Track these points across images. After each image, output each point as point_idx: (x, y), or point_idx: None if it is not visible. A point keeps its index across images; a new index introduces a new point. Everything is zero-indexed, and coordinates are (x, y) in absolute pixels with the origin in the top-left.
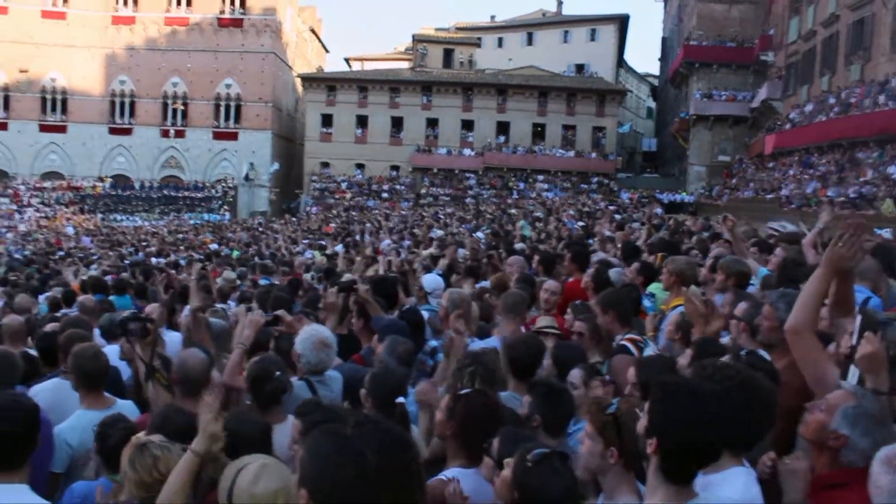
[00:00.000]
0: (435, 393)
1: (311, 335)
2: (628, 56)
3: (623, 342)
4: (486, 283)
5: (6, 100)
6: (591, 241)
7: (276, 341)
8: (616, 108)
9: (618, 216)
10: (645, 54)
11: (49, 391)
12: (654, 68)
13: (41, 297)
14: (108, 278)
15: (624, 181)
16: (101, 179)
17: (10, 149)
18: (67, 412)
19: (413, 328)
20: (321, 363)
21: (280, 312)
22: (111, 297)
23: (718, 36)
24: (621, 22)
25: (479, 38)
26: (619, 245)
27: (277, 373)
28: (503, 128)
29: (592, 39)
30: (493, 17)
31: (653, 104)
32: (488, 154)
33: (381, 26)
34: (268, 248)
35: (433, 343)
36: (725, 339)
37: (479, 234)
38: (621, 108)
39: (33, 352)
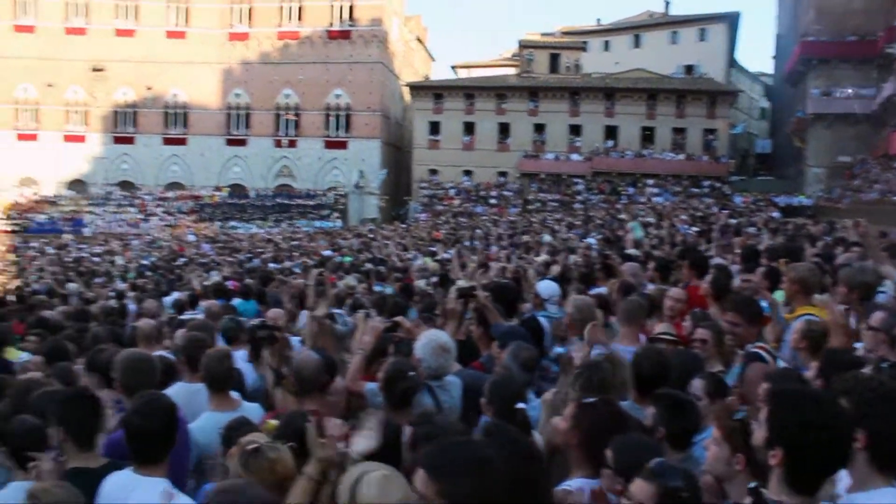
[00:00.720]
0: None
1: (431, 340)
2: (740, 55)
3: (755, 350)
4: (601, 290)
5: (134, 116)
6: (705, 246)
7: (395, 347)
8: (728, 110)
9: (732, 220)
10: (758, 52)
11: (182, 392)
12: (767, 67)
13: (168, 301)
14: (230, 283)
15: (737, 184)
16: (218, 189)
17: (137, 161)
18: (198, 413)
19: (533, 336)
20: (441, 368)
21: (399, 318)
22: (236, 302)
23: (838, 30)
24: (732, 20)
25: (585, 42)
26: (738, 250)
27: (410, 373)
28: (611, 132)
29: (702, 39)
30: (598, 21)
31: (766, 104)
32: (596, 159)
33: (486, 33)
34: (379, 254)
35: (558, 350)
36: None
37: (590, 240)
38: (733, 109)
39: (169, 354)
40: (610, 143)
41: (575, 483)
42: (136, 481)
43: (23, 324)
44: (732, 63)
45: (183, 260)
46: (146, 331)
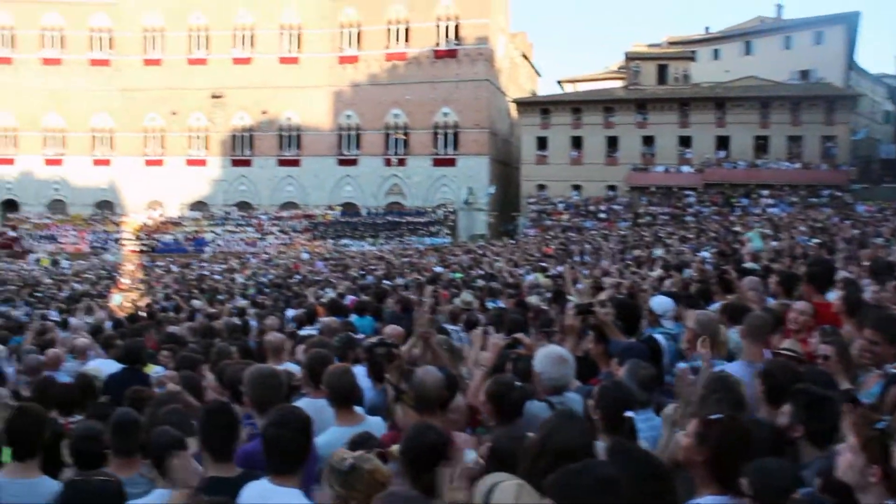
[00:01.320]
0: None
1: (548, 352)
2: (860, 57)
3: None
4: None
5: (251, 139)
6: (830, 258)
7: (514, 363)
8: (848, 115)
9: (855, 231)
10: (880, 53)
11: (307, 408)
12: (890, 68)
13: (288, 316)
14: (349, 299)
15: (860, 193)
16: (331, 208)
17: (253, 182)
18: (322, 428)
19: (651, 353)
20: (562, 378)
21: (519, 335)
22: (352, 318)
23: None
24: (851, 21)
25: (694, 52)
26: (866, 263)
27: (517, 383)
28: (723, 142)
29: (818, 43)
30: (707, 29)
31: (891, 107)
32: (708, 170)
33: (592, 47)
34: (489, 270)
35: (681, 365)
36: None
37: (704, 254)
38: (853, 114)
39: (296, 368)
40: (721, 153)
41: (704, 502)
42: (272, 491)
43: (155, 339)
44: (852, 65)
45: (298, 277)
46: (275, 344)
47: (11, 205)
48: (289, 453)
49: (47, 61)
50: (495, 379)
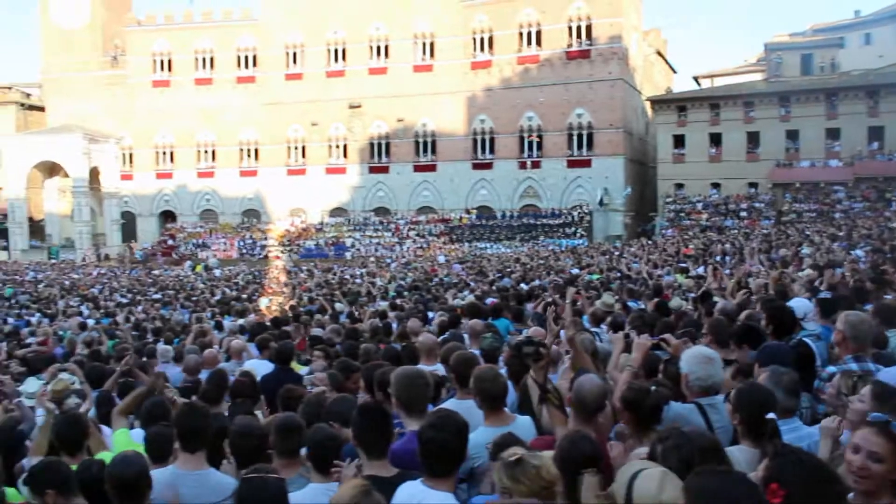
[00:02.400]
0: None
1: (695, 353)
2: None
3: None
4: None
5: (388, 146)
6: None
7: (665, 366)
8: None
9: None
10: None
11: (457, 408)
12: None
13: (431, 318)
14: (488, 301)
15: None
16: (467, 211)
17: (391, 189)
18: (472, 429)
19: (801, 357)
20: (710, 377)
21: (666, 336)
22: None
23: None
24: None
25: (842, 38)
26: None
27: (653, 388)
28: (876, 133)
29: None
30: (857, 13)
31: None
32: (859, 164)
33: (729, 39)
34: (627, 271)
35: (831, 369)
36: None
37: (857, 252)
38: None
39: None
40: (874, 145)
41: None
42: (426, 493)
43: (303, 341)
44: None
45: (437, 280)
46: (428, 345)
47: (170, 215)
48: (444, 456)
49: (199, 81)
50: (630, 385)
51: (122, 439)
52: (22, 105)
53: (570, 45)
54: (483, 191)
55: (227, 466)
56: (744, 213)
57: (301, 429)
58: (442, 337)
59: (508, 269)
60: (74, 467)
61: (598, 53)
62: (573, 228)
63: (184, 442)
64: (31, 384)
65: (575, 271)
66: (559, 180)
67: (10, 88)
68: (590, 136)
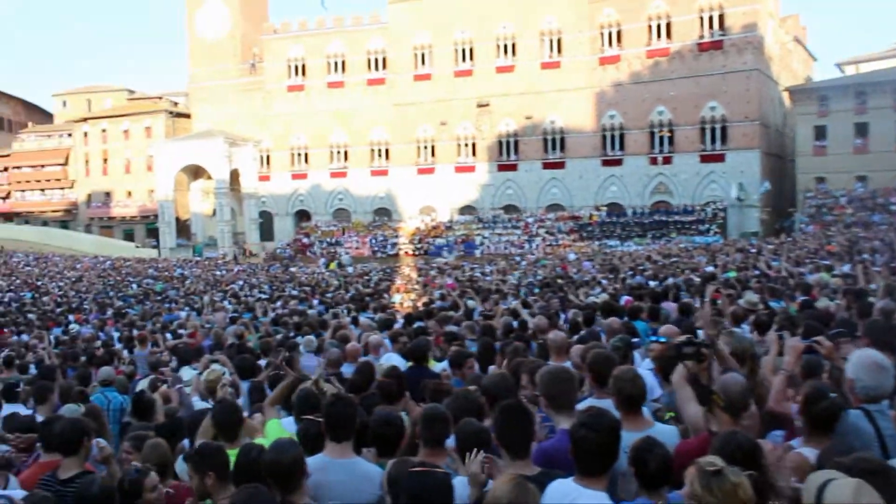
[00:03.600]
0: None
1: (864, 358)
2: None
3: None
4: None
5: (516, 144)
6: None
7: (830, 370)
8: None
9: None
10: None
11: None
12: None
13: (562, 317)
14: (623, 299)
15: None
16: (596, 208)
17: (519, 186)
18: None
19: None
20: (880, 387)
21: (819, 338)
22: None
23: None
24: None
25: None
26: None
27: (832, 394)
28: None
29: None
30: None
31: None
32: None
33: (876, 22)
34: (765, 269)
35: None
36: None
37: None
38: None
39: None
40: None
41: None
42: (578, 491)
43: (438, 337)
44: None
45: (571, 277)
46: (559, 343)
47: (304, 215)
48: (598, 455)
49: (332, 85)
50: (810, 385)
51: (275, 428)
52: (170, 113)
53: (701, 37)
54: (613, 187)
55: (367, 454)
56: (894, 208)
57: (448, 420)
58: (577, 336)
59: (640, 267)
60: (232, 453)
61: (732, 44)
62: (706, 225)
63: (332, 432)
64: (187, 373)
65: (709, 269)
66: (691, 176)
67: (160, 98)
68: (723, 130)
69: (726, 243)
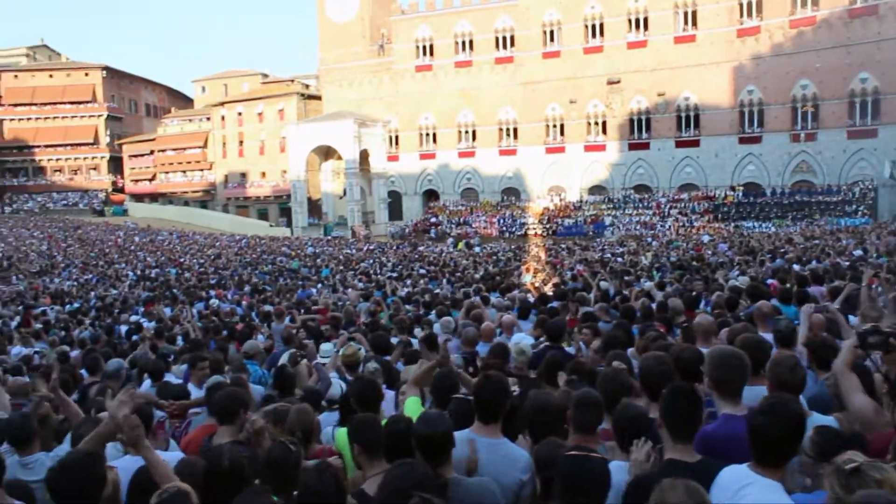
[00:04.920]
0: None
1: None
2: None
3: None
4: None
5: (648, 122)
6: None
7: None
8: None
9: None
10: None
11: (748, 394)
12: None
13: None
14: (769, 282)
15: None
16: (732, 188)
17: (651, 165)
18: None
19: None
20: None
21: None
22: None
23: None
24: None
25: None
26: None
27: None
28: None
29: None
30: None
31: None
32: None
33: None
34: None
35: None
36: None
37: None
38: None
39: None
40: None
41: None
42: (753, 479)
43: (573, 319)
44: None
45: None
46: (704, 326)
47: (433, 194)
48: (776, 444)
49: (459, 64)
50: None
51: (414, 407)
52: (302, 95)
53: (853, 2)
54: (750, 166)
55: (522, 441)
56: None
57: (601, 405)
58: (720, 319)
59: (781, 250)
60: None
61: (889, 8)
62: (854, 206)
63: (481, 411)
64: (326, 349)
65: (858, 253)
66: (838, 153)
67: (292, 81)
68: (875, 103)
69: (877, 225)
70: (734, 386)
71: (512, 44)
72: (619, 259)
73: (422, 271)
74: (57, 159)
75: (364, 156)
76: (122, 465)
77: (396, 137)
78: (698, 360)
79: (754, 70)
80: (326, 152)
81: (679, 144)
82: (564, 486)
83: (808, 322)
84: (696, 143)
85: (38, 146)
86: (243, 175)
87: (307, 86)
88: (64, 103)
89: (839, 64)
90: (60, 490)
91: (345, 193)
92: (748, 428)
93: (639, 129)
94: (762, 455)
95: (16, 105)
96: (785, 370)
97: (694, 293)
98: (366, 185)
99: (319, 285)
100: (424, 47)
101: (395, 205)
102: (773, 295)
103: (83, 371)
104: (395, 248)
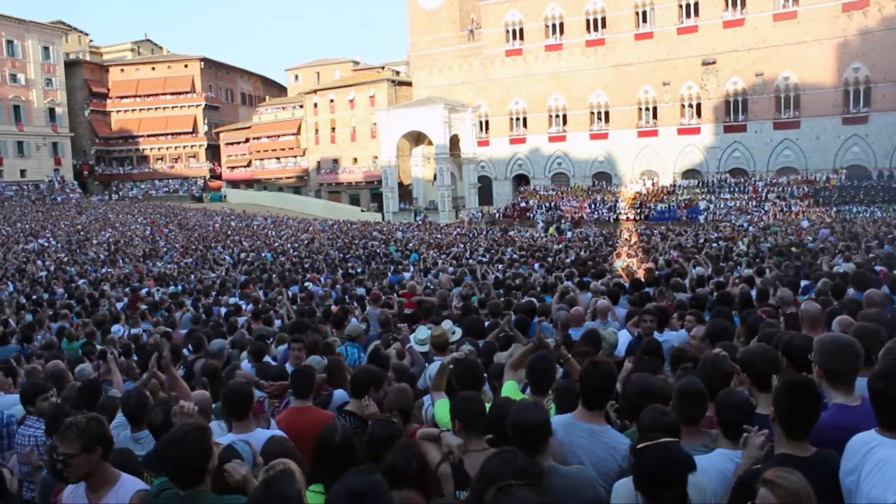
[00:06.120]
0: None
1: None
2: None
3: None
4: None
5: (744, 103)
6: None
7: None
8: None
9: None
10: None
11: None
12: None
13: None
14: (878, 269)
15: None
16: (835, 171)
17: (747, 148)
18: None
19: None
20: None
21: None
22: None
23: None
24: None
25: None
26: None
27: None
28: None
29: None
30: None
31: None
32: None
33: None
34: None
35: None
36: None
37: None
38: None
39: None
40: None
41: None
42: (878, 440)
43: (671, 305)
44: None
45: (808, 245)
46: (811, 314)
47: (523, 179)
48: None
49: (549, 48)
50: None
51: (512, 390)
52: (392, 82)
53: None
54: (855, 147)
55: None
56: None
57: (706, 396)
58: (829, 308)
59: (890, 236)
60: None
61: None
62: None
63: (586, 397)
64: (422, 332)
65: None
66: None
67: (382, 68)
68: None
69: None
70: (847, 375)
71: (603, 25)
72: (715, 244)
73: (513, 256)
74: (159, 148)
75: (454, 141)
76: (226, 440)
77: (486, 122)
78: (809, 349)
79: (861, 46)
80: (417, 138)
81: (777, 126)
82: (644, 475)
83: None
84: (796, 125)
85: (142, 136)
86: (335, 161)
87: (397, 72)
88: (165, 94)
89: None
90: (170, 461)
91: (435, 178)
92: (869, 392)
93: (735, 111)
94: (886, 418)
95: (122, 97)
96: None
97: (791, 280)
98: (456, 170)
99: (412, 269)
100: (514, 31)
101: (485, 190)
102: (883, 282)
103: (186, 349)
104: (485, 232)
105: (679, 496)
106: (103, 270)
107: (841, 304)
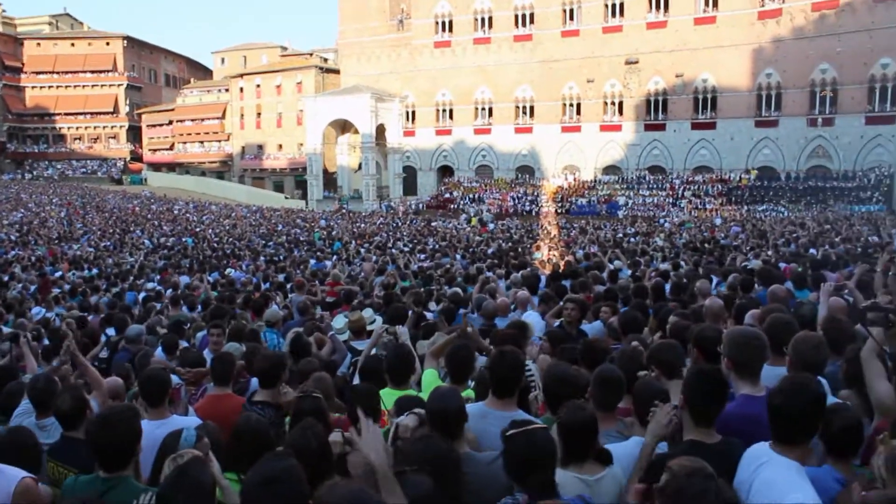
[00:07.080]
0: None
1: None
2: None
3: None
4: None
5: (665, 103)
6: None
7: None
8: None
9: None
10: None
11: (769, 374)
12: None
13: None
14: (783, 266)
15: None
16: (747, 171)
17: (666, 146)
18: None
19: None
20: None
21: None
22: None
23: None
24: None
25: None
26: None
27: None
28: None
29: None
30: None
31: None
32: None
33: None
34: None
35: None
36: None
37: None
38: None
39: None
40: None
41: None
42: (772, 457)
43: (588, 297)
44: None
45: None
46: (715, 309)
47: (447, 170)
48: (796, 424)
49: (478, 41)
50: None
51: (431, 379)
52: (320, 69)
53: None
54: (766, 150)
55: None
56: None
57: (622, 384)
58: (738, 302)
59: (794, 235)
60: (393, 394)
61: None
62: (869, 192)
63: (496, 385)
64: (339, 321)
65: (874, 239)
66: (855, 139)
67: (310, 55)
68: None
69: (891, 212)
70: (753, 366)
71: (531, 21)
72: (632, 239)
73: (435, 246)
74: (77, 127)
75: (380, 130)
76: (148, 428)
77: (413, 113)
78: (719, 340)
79: (774, 53)
80: (343, 126)
81: (695, 126)
82: (511, 462)
83: (826, 301)
84: (712, 126)
85: (59, 114)
86: (260, 147)
87: (325, 59)
88: (85, 72)
89: (861, 48)
90: (100, 442)
91: (360, 167)
92: (768, 406)
93: (655, 110)
94: (780, 433)
95: (38, 73)
96: (809, 348)
97: (704, 274)
98: (381, 159)
99: (335, 258)
100: (443, 23)
101: (409, 180)
102: (787, 278)
103: (112, 329)
104: (408, 222)
105: (546, 482)
106: (13, 252)
107: (749, 300)
